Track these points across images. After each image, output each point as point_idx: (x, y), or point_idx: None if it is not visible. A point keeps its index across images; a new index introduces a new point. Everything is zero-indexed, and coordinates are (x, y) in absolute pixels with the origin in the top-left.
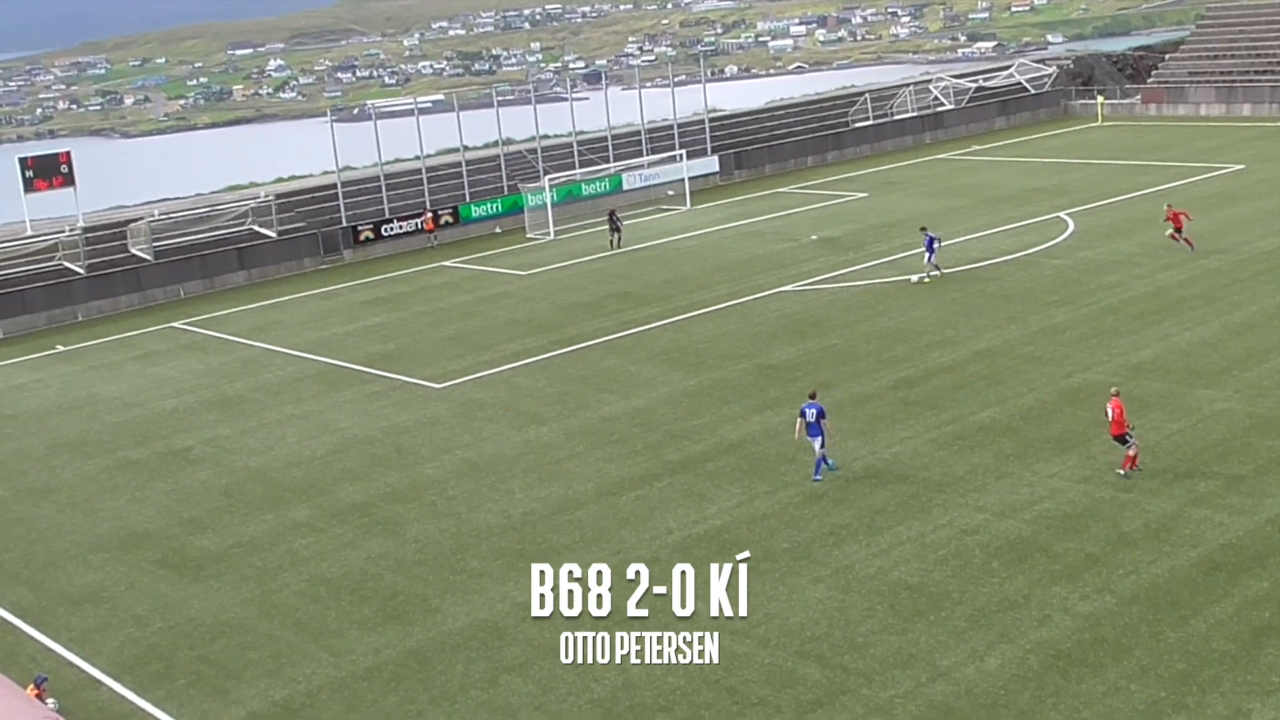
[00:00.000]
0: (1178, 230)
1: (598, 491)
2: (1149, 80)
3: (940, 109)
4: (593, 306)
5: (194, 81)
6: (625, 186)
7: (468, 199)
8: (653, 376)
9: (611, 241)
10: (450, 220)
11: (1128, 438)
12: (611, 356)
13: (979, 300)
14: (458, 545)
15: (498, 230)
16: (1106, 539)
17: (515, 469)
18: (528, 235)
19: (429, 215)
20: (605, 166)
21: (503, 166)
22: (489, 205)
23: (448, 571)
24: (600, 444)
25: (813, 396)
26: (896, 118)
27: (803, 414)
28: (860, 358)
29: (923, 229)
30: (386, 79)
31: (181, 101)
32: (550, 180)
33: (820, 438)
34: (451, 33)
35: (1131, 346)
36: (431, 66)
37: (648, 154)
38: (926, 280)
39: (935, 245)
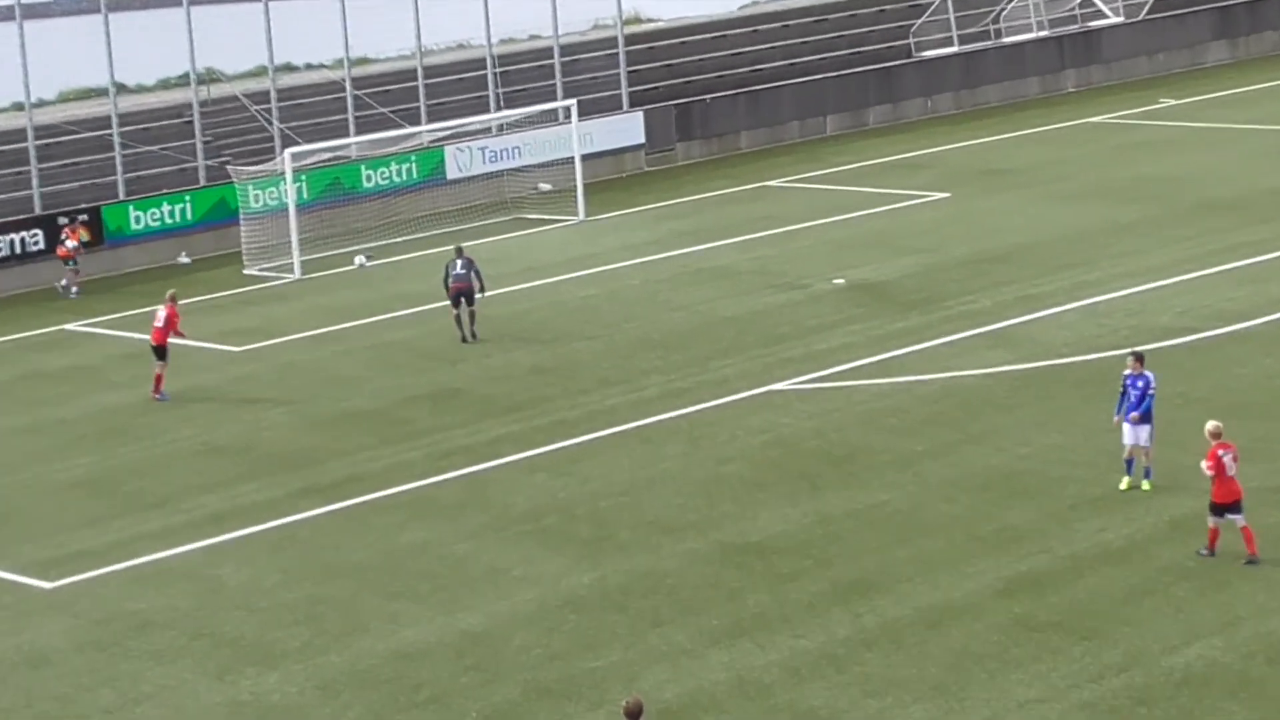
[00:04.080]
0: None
1: None
2: None
3: (1097, 24)
4: (380, 419)
5: None
6: (451, 174)
7: (121, 194)
8: (504, 567)
9: (461, 326)
10: (87, 238)
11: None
12: (418, 524)
13: (1179, 414)
14: None
15: (184, 259)
16: None
17: None
18: (247, 269)
19: (68, 227)
20: (411, 130)
21: (197, 127)
22: (165, 207)
23: None
24: (393, 708)
25: None
26: (1007, 40)
27: None
28: (932, 531)
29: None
30: None
31: None
32: (294, 155)
33: None
34: None
35: None
36: None
37: (499, 106)
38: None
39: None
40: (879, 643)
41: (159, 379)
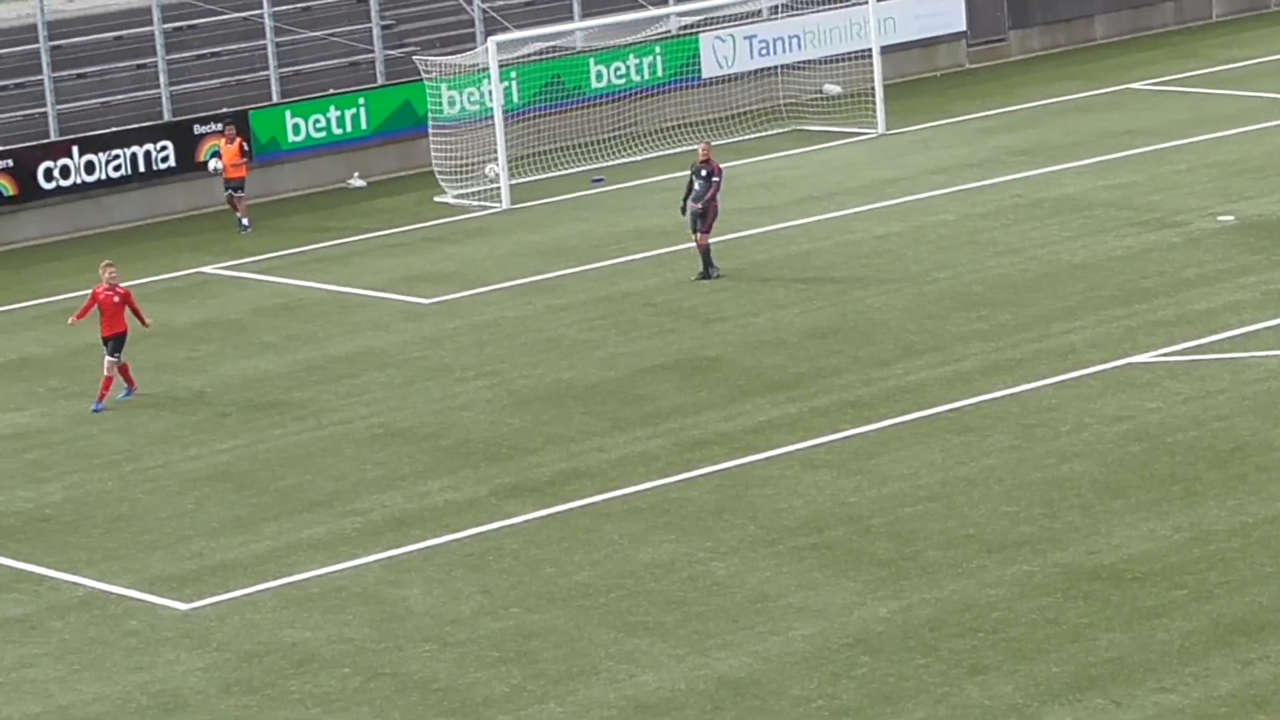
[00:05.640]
0: None
1: None
2: None
3: None
4: (611, 396)
5: None
6: (708, 71)
7: (275, 96)
8: (775, 593)
9: (705, 264)
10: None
11: None
12: (661, 535)
13: None
14: None
15: (356, 182)
16: None
17: None
18: (439, 196)
19: (225, 131)
20: (655, 13)
21: (373, 6)
22: (332, 112)
23: None
24: None
25: None
26: None
27: None
28: None
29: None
30: None
31: None
32: (501, 45)
33: None
34: None
35: None
36: None
37: None
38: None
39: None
40: (1274, 700)
41: (108, 383)
